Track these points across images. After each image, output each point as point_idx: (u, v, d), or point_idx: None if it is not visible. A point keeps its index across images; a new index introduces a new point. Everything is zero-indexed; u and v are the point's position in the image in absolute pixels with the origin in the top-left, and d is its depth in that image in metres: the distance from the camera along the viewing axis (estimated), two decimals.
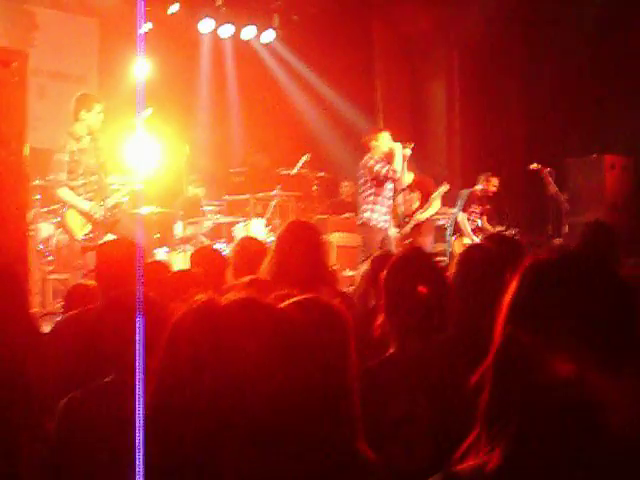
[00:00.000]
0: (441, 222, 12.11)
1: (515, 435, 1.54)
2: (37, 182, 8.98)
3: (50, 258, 9.07)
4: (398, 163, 9.46)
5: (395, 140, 9.66)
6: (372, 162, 9.55)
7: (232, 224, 10.89)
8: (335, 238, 11.13)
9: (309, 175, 11.70)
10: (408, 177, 9.83)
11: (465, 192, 11.49)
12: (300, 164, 11.56)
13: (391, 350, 3.08)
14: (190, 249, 9.57)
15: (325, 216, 11.73)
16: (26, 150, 6.01)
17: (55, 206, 8.82)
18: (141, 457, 1.21)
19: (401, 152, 9.49)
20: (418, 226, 10.96)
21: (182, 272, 5.00)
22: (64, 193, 8.31)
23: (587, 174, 11.55)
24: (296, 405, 1.22)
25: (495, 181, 11.47)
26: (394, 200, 10.16)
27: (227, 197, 12.10)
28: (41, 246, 9.11)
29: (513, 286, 1.66)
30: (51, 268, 9.04)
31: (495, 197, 11.60)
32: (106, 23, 12.98)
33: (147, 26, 11.38)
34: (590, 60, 11.98)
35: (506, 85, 13.52)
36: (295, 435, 1.22)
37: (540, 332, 1.56)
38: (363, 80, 14.03)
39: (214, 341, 1.22)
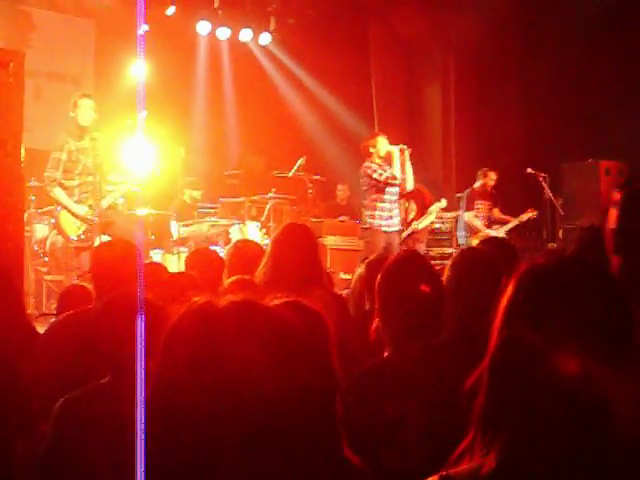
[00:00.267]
0: (437, 225, 12.13)
1: (510, 438, 1.54)
2: (32, 183, 8.97)
3: (45, 259, 9.06)
4: (397, 167, 9.46)
5: (392, 143, 9.67)
6: (369, 170, 9.54)
7: (227, 227, 10.88)
8: (330, 241, 11.14)
9: (305, 178, 11.70)
10: (411, 179, 9.78)
11: (465, 192, 11.50)
12: (296, 167, 11.56)
13: (386, 354, 3.09)
14: (184, 251, 9.57)
15: (320, 219, 11.73)
16: (22, 151, 6.00)
17: (50, 207, 8.81)
18: (141, 459, 1.21)
19: (399, 156, 9.49)
20: (413, 234, 10.96)
21: (179, 274, 5.00)
22: (58, 193, 8.30)
23: (582, 179, 11.56)
24: (292, 408, 1.22)
25: (493, 175, 11.44)
26: (403, 202, 10.19)
27: (222, 199, 12.10)
28: (36, 247, 9.11)
29: (509, 290, 1.66)
30: (46, 269, 9.04)
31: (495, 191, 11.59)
32: (102, 24, 12.99)
33: (144, 28, 11.35)
34: (587, 65, 12.00)
35: (502, 89, 13.53)
36: (291, 438, 1.23)
37: (536, 337, 1.57)
38: (359, 83, 14.04)
39: (212, 343, 1.22)
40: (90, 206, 8.34)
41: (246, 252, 5.11)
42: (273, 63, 14.77)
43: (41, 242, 9.10)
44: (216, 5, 13.49)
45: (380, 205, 9.57)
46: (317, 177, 11.98)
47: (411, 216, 10.96)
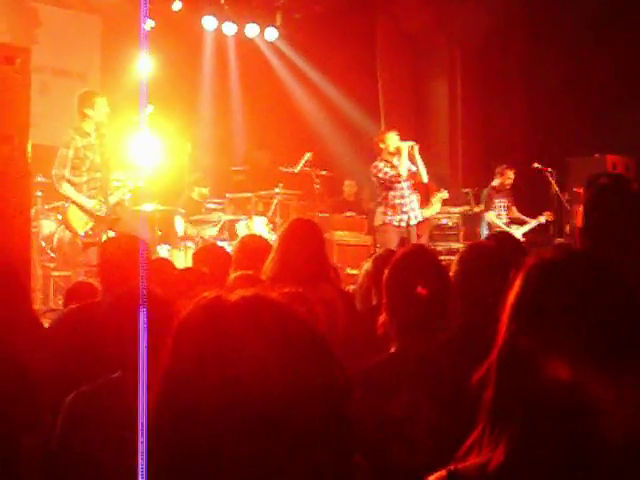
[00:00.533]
0: (443, 222, 12.12)
1: (518, 433, 1.54)
2: (39, 179, 8.99)
3: (52, 255, 9.07)
4: (403, 163, 9.46)
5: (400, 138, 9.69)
6: (375, 170, 9.61)
7: (234, 222, 10.88)
8: (337, 237, 11.14)
9: (311, 173, 11.69)
10: (425, 173, 9.80)
11: (485, 191, 11.46)
12: (303, 162, 11.55)
13: (393, 348, 3.08)
14: (191, 246, 9.58)
15: (327, 215, 11.73)
16: (29, 147, 6.01)
17: (57, 203, 8.83)
18: (145, 455, 1.21)
19: (407, 151, 9.51)
20: (417, 225, 10.95)
21: (187, 269, 5.01)
22: (67, 189, 8.33)
23: (589, 174, 11.52)
24: (302, 404, 1.22)
25: (511, 174, 11.35)
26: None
27: (229, 195, 12.10)
28: (43, 243, 9.12)
29: (517, 285, 1.66)
30: (53, 265, 9.06)
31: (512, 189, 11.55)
32: (108, 20, 12.99)
33: (150, 23, 11.37)
34: (594, 59, 11.97)
35: (509, 83, 13.51)
36: (299, 435, 1.23)
37: (545, 333, 1.56)
38: (366, 78, 14.02)
39: (221, 338, 1.22)
40: (99, 202, 8.37)
41: (253, 247, 5.11)
42: (279, 58, 14.75)
43: (48, 238, 9.11)
44: (222, 0, 13.49)
45: (391, 202, 9.60)
46: (324, 172, 11.97)
47: None
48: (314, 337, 1.29)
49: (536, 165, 11.26)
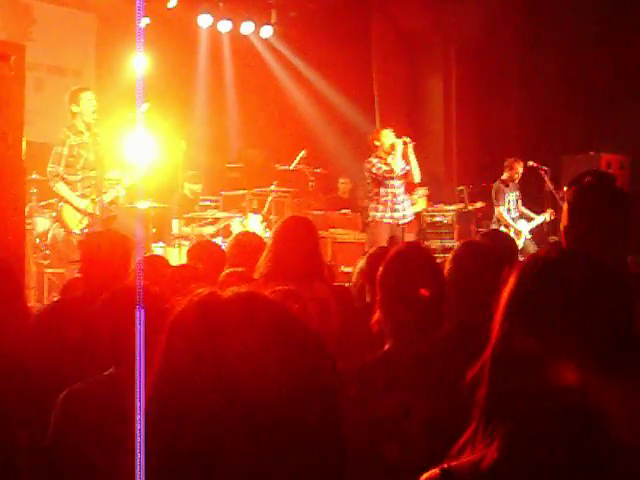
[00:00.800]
0: (437, 218, 12.13)
1: (511, 431, 1.54)
2: (33, 176, 8.97)
3: (46, 252, 9.06)
4: (397, 160, 9.47)
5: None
6: (368, 165, 9.64)
7: (229, 219, 10.87)
8: (332, 234, 11.14)
9: (306, 171, 11.69)
10: (418, 172, 9.81)
11: (495, 186, 11.41)
12: (297, 160, 11.56)
13: (387, 346, 3.09)
14: (185, 244, 9.57)
15: (321, 212, 11.73)
16: (23, 144, 6.00)
17: (51, 200, 8.82)
18: (141, 452, 1.21)
19: (401, 149, 9.51)
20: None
21: (182, 266, 5.01)
22: (60, 188, 8.33)
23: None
24: (295, 402, 1.22)
25: (519, 167, 11.30)
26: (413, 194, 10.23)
27: (223, 193, 12.08)
28: (37, 240, 9.10)
29: (511, 283, 1.66)
30: (47, 262, 9.04)
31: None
32: (103, 18, 12.97)
33: (145, 20, 11.36)
34: (589, 57, 11.98)
35: (504, 81, 13.51)
36: (294, 433, 1.23)
37: (539, 331, 1.57)
38: (361, 75, 14.03)
39: (215, 335, 1.22)
40: (93, 200, 8.36)
41: (247, 244, 5.12)
42: (274, 56, 14.74)
43: (42, 235, 9.09)
44: None
45: (382, 198, 9.61)
46: (318, 170, 11.98)
47: None
48: (307, 334, 1.29)
49: (531, 163, 11.25)
